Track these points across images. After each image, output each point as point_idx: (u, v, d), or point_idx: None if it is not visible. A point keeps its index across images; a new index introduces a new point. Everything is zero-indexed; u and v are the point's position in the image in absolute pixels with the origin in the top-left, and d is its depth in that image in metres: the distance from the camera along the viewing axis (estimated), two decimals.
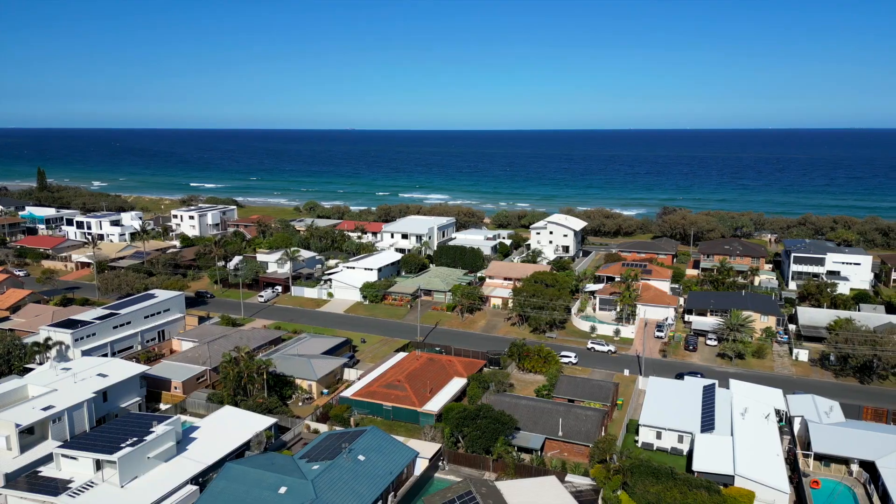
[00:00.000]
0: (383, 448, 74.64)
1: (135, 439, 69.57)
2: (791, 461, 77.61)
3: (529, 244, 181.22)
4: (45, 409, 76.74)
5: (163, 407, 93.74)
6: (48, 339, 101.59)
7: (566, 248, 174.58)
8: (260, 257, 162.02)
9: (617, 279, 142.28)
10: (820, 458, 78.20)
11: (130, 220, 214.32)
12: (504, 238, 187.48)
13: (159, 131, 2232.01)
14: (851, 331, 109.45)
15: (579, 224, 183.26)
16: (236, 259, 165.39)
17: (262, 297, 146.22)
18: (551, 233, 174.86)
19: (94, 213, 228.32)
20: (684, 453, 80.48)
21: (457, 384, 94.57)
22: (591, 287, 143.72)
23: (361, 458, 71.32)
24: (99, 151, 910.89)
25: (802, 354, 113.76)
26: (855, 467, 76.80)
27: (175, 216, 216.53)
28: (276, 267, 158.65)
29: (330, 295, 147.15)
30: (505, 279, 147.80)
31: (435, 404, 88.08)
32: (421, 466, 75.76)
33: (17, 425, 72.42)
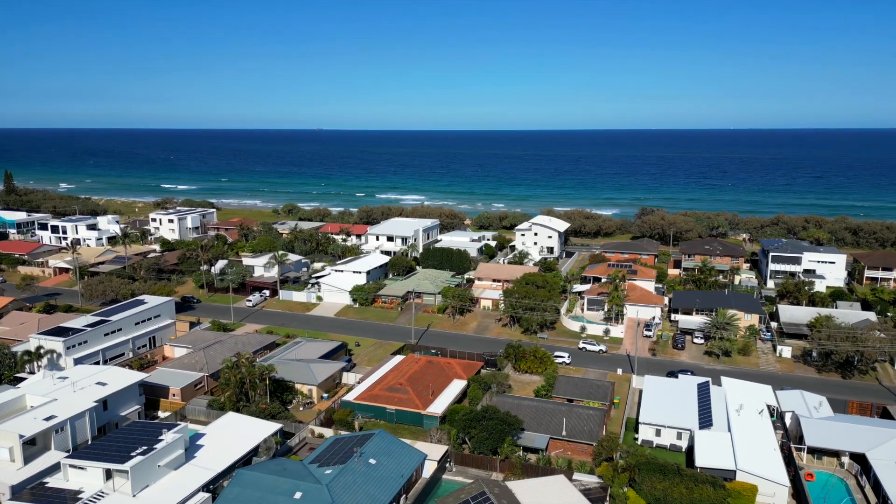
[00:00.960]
0: (393, 451, 75.35)
1: (145, 448, 69.05)
2: (785, 455, 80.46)
3: (514, 245, 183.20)
4: (46, 419, 75.62)
5: (161, 414, 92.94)
6: (39, 347, 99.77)
7: (551, 250, 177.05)
8: (246, 261, 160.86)
9: (604, 280, 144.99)
10: (812, 451, 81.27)
11: (107, 223, 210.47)
12: (489, 239, 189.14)
13: (116, 131, 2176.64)
14: (832, 328, 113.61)
15: (563, 225, 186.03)
16: (221, 263, 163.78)
17: (250, 301, 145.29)
18: (536, 234, 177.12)
19: (68, 217, 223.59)
20: (683, 450, 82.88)
21: (457, 386, 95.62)
22: (578, 288, 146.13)
23: (372, 461, 71.95)
24: (61, 152, 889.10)
25: (786, 351, 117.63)
26: (846, 459, 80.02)
27: (154, 219, 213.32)
28: (262, 271, 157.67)
29: (319, 298, 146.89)
30: (494, 281, 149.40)
31: (438, 406, 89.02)
32: (429, 468, 76.66)
33: (21, 436, 71.27)
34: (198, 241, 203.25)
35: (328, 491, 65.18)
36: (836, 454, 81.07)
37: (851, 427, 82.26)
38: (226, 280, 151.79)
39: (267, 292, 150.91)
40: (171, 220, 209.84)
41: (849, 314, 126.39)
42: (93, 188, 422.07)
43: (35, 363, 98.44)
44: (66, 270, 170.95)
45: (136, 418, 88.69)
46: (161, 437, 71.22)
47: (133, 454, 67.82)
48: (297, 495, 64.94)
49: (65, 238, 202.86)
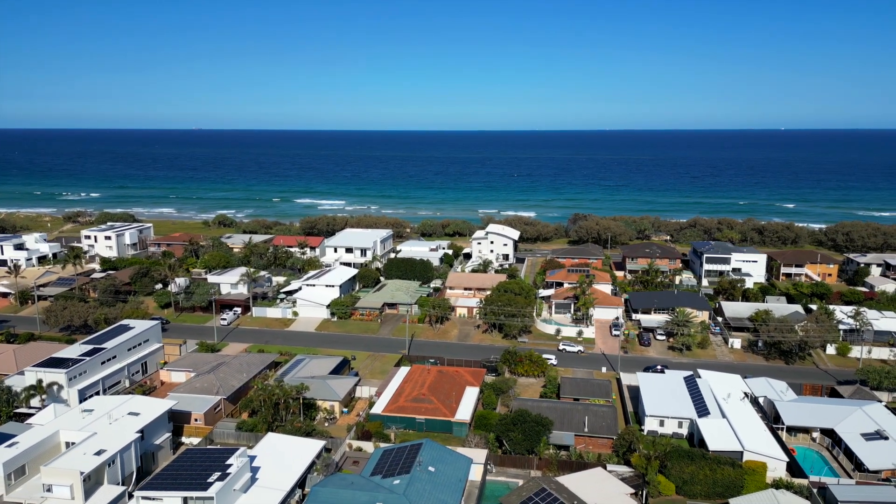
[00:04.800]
0: (444, 458, 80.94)
1: (219, 473, 70.79)
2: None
3: (468, 253, 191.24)
4: (97, 453, 74.91)
5: (185, 440, 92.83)
6: (40, 380, 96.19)
7: (506, 257, 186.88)
8: (211, 278, 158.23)
9: (566, 285, 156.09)
10: (790, 429, 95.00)
11: (35, 242, 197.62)
12: (445, 248, 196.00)
13: None
14: (773, 321, 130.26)
15: (516, 233, 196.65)
16: (180, 281, 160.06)
17: (224, 320, 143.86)
18: (492, 242, 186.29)
19: None
20: (685, 437, 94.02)
21: (472, 393, 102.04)
22: (543, 293, 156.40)
23: (431, 469, 77.27)
24: None
25: (736, 343, 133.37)
26: (817, 434, 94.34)
27: (87, 236, 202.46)
28: (229, 288, 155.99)
29: (295, 314, 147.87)
30: (465, 289, 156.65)
31: (464, 413, 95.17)
32: (475, 472, 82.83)
33: (82, 473, 70.63)
34: (140, 258, 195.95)
35: (407, 500, 70.03)
36: (807, 430, 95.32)
37: (818, 406, 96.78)
38: (194, 299, 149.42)
39: (239, 310, 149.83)
40: (108, 237, 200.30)
41: (780, 307, 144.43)
42: None
43: (40, 397, 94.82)
44: (5, 295, 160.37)
45: (168, 446, 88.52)
46: (230, 462, 73.10)
47: (210, 481, 69.49)
48: None
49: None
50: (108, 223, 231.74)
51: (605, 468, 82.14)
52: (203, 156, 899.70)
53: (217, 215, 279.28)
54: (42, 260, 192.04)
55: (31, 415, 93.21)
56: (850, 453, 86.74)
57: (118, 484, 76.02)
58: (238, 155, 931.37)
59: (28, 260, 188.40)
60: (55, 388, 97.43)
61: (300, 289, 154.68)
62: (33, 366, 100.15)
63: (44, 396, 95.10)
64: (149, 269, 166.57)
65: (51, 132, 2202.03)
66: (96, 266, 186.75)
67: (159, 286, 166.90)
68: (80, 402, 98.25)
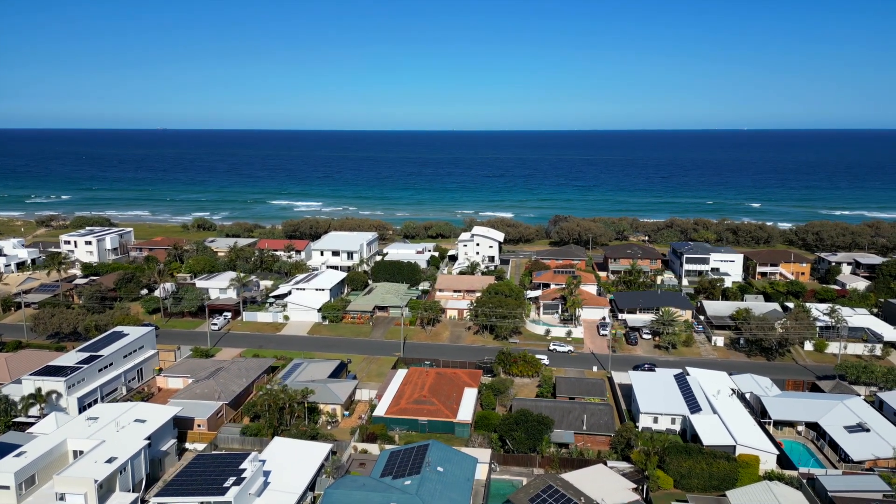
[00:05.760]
0: (451, 458, 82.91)
1: (234, 478, 71.84)
2: None
3: (454, 255, 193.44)
4: (108, 461, 75.23)
5: (189, 446, 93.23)
6: (39, 389, 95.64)
7: (492, 259, 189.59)
8: (199, 283, 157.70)
9: (553, 286, 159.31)
10: (776, 423, 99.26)
11: (13, 248, 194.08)
12: (431, 250, 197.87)
13: None
14: (754, 319, 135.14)
15: (501, 235, 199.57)
16: (167, 286, 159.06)
17: (215, 325, 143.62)
18: (478, 244, 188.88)
19: None
20: (678, 432, 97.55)
21: (470, 393, 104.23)
22: (530, 294, 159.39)
23: (440, 469, 79.22)
24: None
25: (719, 341, 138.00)
26: (802, 428, 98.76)
27: (67, 241, 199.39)
28: (217, 293, 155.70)
29: (286, 318, 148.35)
30: (454, 291, 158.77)
31: (465, 414, 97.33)
32: (481, 471, 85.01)
33: (96, 481, 70.96)
34: (122, 263, 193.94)
35: (421, 500, 71.88)
36: (792, 424, 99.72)
37: (802, 401, 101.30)
38: (184, 304, 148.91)
39: (229, 314, 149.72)
40: (88, 242, 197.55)
41: (759, 306, 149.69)
42: None
43: (39, 406, 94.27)
44: None
45: (174, 452, 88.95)
46: (244, 467, 74.16)
47: (227, 485, 70.52)
48: None
49: None
50: (88, 228, 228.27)
51: (605, 464, 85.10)
52: (171, 156, 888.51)
53: (195, 218, 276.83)
54: (21, 266, 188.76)
55: (30, 424, 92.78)
56: (834, 445, 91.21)
57: (129, 491, 76.46)
58: (206, 155, 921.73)
59: (7, 266, 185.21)
60: (54, 396, 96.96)
61: (290, 293, 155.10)
62: (30, 374, 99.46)
63: (43, 405, 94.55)
64: (134, 275, 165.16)
65: (5, 133, 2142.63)
66: (77, 272, 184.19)
67: (145, 291, 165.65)
68: (80, 409, 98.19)
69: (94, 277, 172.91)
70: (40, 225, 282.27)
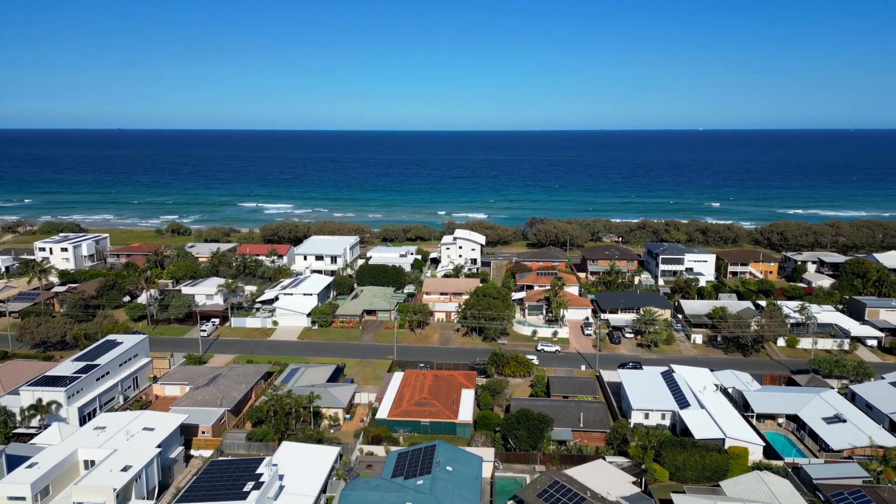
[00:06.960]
0: (458, 458, 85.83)
1: (252, 483, 73.36)
2: None
3: (436, 258, 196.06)
4: (123, 469, 76.00)
5: (194, 453, 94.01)
6: (40, 399, 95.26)
7: (474, 261, 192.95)
8: (185, 289, 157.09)
9: (536, 287, 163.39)
10: (759, 417, 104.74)
11: None
12: (413, 253, 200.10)
13: None
14: (730, 317, 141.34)
15: (482, 238, 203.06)
16: (152, 293, 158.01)
17: (204, 331, 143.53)
18: (461, 247, 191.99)
19: None
20: (667, 427, 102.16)
21: (468, 394, 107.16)
22: (515, 295, 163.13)
23: (449, 468, 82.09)
24: None
25: (698, 338, 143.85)
26: (782, 420, 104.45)
27: (42, 248, 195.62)
28: (204, 299, 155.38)
29: (275, 323, 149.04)
30: (441, 294, 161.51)
31: (465, 414, 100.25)
32: (486, 469, 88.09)
33: (115, 489, 71.76)
34: (100, 270, 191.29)
35: (435, 499, 74.57)
36: (773, 417, 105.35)
37: (781, 395, 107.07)
38: (171, 311, 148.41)
39: (217, 321, 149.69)
40: (64, 249, 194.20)
41: (733, 304, 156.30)
42: None
43: (41, 416, 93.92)
44: None
45: (182, 459, 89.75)
46: (260, 471, 75.76)
47: (246, 490, 72.05)
48: None
49: None
50: (62, 234, 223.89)
51: (604, 460, 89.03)
52: (129, 158, 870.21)
53: (169, 223, 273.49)
54: None
55: (31, 435, 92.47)
56: (814, 436, 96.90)
57: (144, 498, 77.35)
58: (167, 156, 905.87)
59: None
60: (54, 406, 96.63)
61: (277, 298, 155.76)
62: (28, 385, 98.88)
63: (44, 416, 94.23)
64: (116, 282, 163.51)
65: None
66: (55, 279, 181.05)
67: (127, 299, 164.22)
68: (80, 419, 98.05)
69: (74, 285, 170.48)
70: (7, 231, 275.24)
